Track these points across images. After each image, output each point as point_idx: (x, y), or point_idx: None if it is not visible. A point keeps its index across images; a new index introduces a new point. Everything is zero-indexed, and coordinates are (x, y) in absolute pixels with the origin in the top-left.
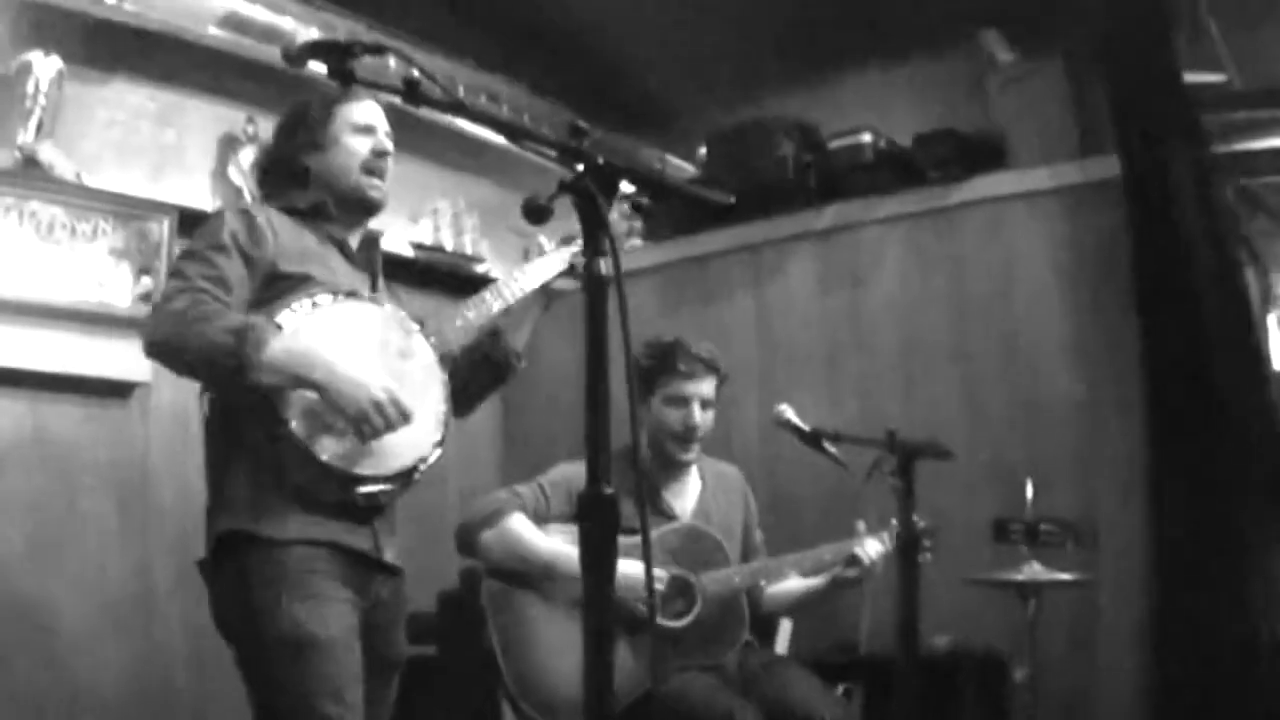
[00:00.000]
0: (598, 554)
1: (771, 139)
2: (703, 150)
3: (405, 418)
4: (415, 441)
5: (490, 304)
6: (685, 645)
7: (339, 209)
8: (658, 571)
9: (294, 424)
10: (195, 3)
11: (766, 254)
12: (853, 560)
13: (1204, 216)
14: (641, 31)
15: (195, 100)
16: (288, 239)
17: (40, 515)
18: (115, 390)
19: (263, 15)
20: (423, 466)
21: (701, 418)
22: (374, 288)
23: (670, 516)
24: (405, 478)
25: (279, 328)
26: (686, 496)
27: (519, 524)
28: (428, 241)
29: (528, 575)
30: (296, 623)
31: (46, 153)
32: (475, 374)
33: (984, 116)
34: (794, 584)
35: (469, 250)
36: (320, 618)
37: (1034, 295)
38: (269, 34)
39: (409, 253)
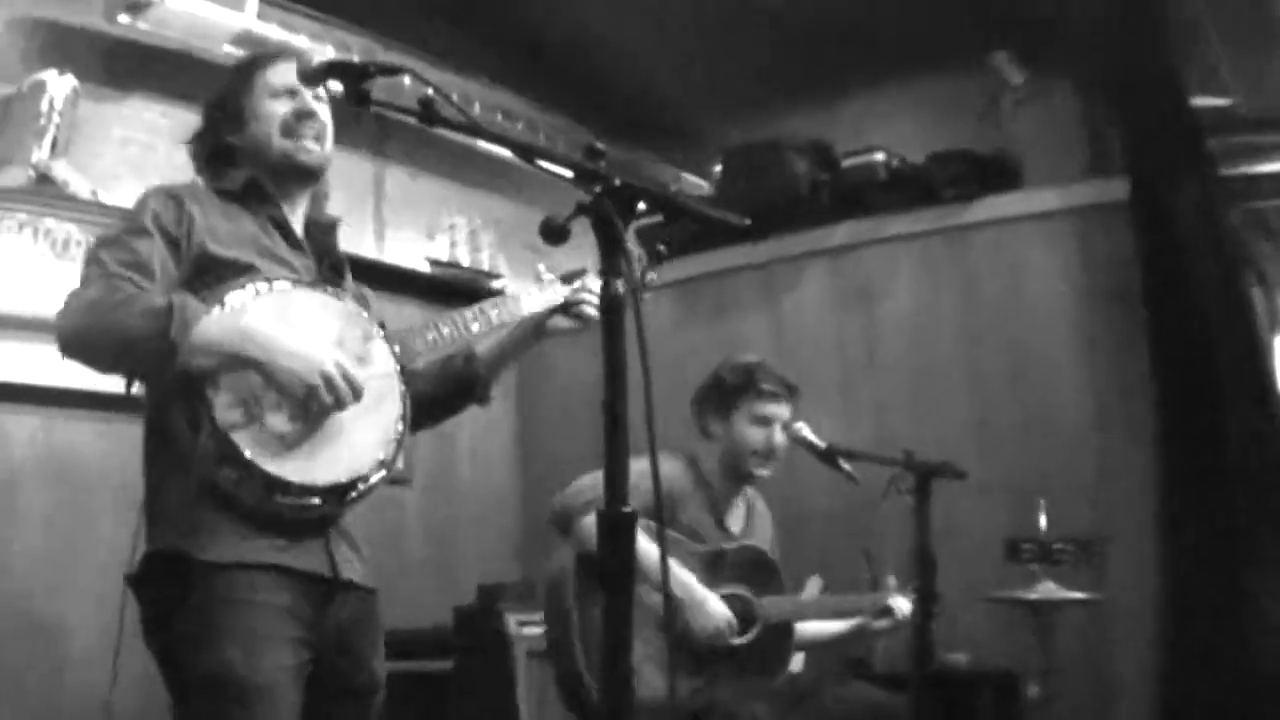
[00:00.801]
0: (616, 573)
1: (786, 157)
2: (717, 167)
3: (357, 395)
4: (355, 457)
5: (468, 324)
6: (739, 665)
7: (275, 183)
8: (720, 592)
9: (219, 412)
10: (209, 21)
11: (780, 271)
12: (886, 611)
13: (1211, 239)
14: (657, 49)
15: None
16: (220, 220)
17: (54, 530)
18: (129, 405)
19: (277, 34)
20: (361, 486)
21: (780, 439)
22: (333, 280)
23: (730, 535)
24: (336, 494)
25: (221, 305)
26: (738, 520)
27: None
28: (444, 257)
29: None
30: (224, 664)
31: (61, 170)
32: (437, 393)
33: (996, 136)
34: (825, 624)
35: (485, 266)
36: (251, 661)
37: (1045, 314)
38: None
39: (425, 268)
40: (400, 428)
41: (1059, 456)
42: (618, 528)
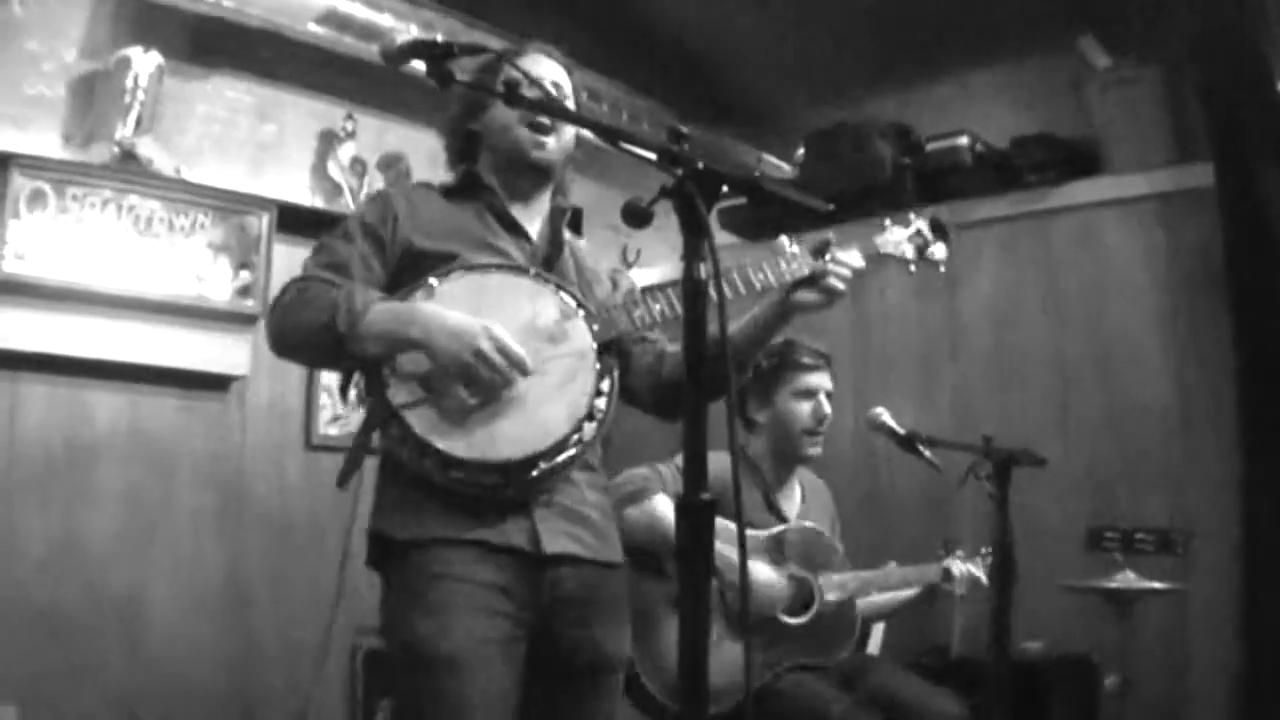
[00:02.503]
0: (694, 560)
1: (869, 140)
2: (800, 151)
3: (520, 367)
4: (536, 433)
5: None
6: (799, 644)
7: (507, 174)
8: (779, 571)
9: (391, 393)
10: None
11: None
12: (946, 575)
13: None
14: (741, 31)
15: (294, 96)
16: (431, 215)
17: (135, 507)
18: (213, 383)
19: (362, 12)
20: (543, 465)
21: (829, 408)
22: (550, 266)
23: (783, 519)
24: (515, 470)
25: (428, 291)
26: (793, 502)
27: (662, 504)
28: None
29: (663, 555)
30: (416, 636)
31: (145, 147)
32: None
33: (1081, 121)
34: (892, 593)
35: None
36: (442, 629)
37: (1128, 302)
38: (368, 31)
39: None
40: (592, 403)
41: (1141, 445)
42: (696, 516)
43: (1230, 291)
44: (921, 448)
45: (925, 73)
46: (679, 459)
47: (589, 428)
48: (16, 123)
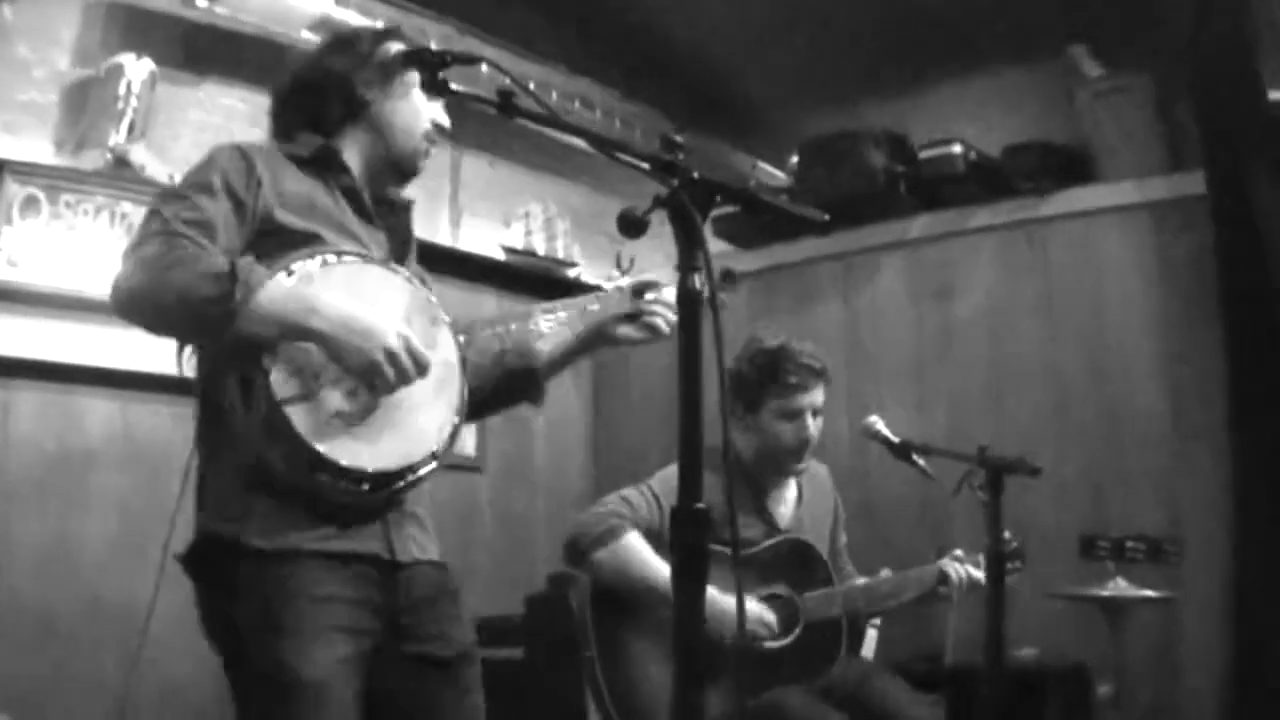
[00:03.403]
0: (689, 570)
1: (863, 149)
2: (794, 158)
3: (423, 372)
4: (410, 445)
5: (537, 323)
6: (783, 665)
7: (373, 165)
8: (760, 594)
9: (275, 384)
10: (287, 6)
11: (857, 263)
12: (943, 578)
13: None
14: (735, 38)
15: None
16: (291, 186)
17: (129, 514)
18: None
19: (355, 19)
20: (410, 477)
21: (815, 428)
22: (400, 260)
23: (774, 526)
24: (384, 481)
25: (288, 272)
26: (787, 503)
27: (633, 544)
28: (519, 245)
29: (639, 599)
30: (279, 662)
31: (138, 154)
32: (489, 389)
33: (1073, 129)
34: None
35: (561, 255)
36: (307, 654)
37: (1122, 309)
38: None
39: (500, 256)
40: (457, 420)
41: (1134, 452)
42: (691, 524)
43: (1223, 299)
44: (916, 456)
45: (918, 80)
46: (654, 481)
47: (453, 439)
48: (9, 129)
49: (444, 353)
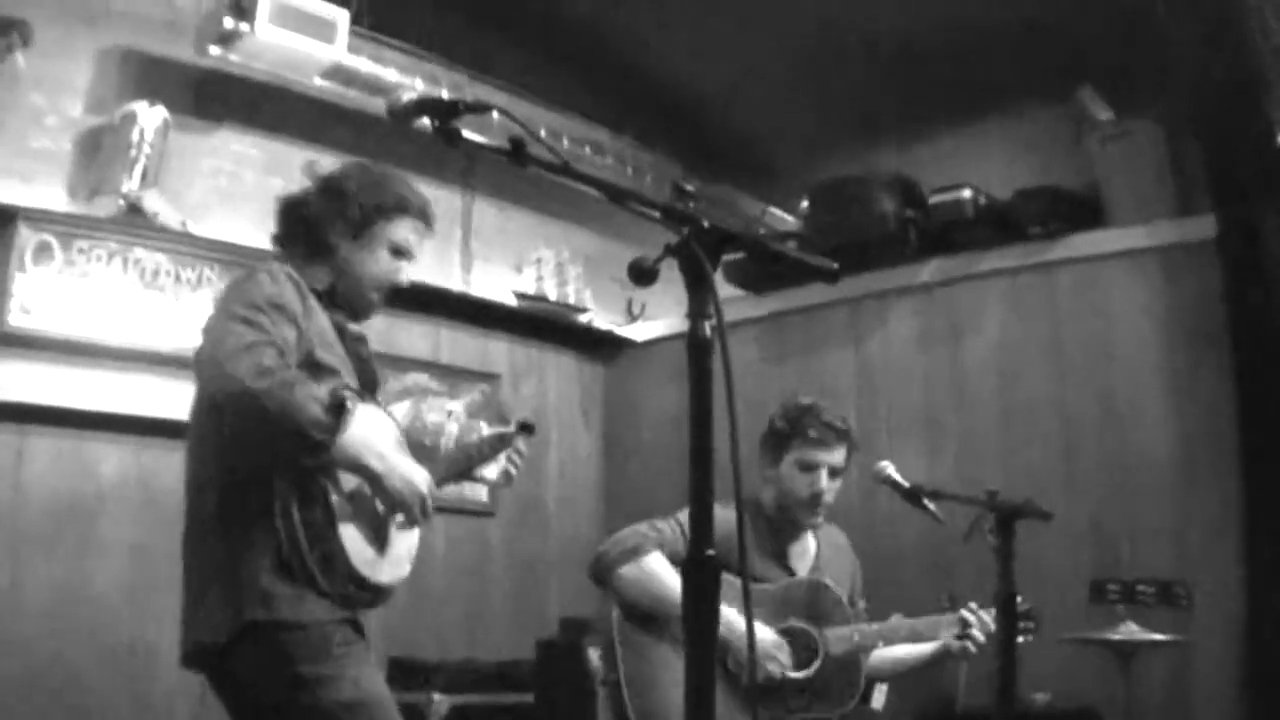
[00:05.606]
0: (700, 616)
1: (873, 194)
2: (805, 203)
3: (428, 519)
4: (400, 565)
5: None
6: (802, 697)
7: (347, 299)
8: (779, 627)
9: (335, 501)
10: (300, 54)
11: (867, 308)
12: (962, 624)
13: None
14: (746, 84)
15: (300, 149)
16: (320, 321)
17: (142, 559)
18: None
19: (367, 67)
20: (390, 593)
21: (828, 485)
22: (372, 389)
23: (791, 574)
24: (381, 595)
25: (352, 409)
26: (806, 557)
27: (657, 563)
28: (531, 291)
29: (657, 615)
30: (358, 686)
31: (151, 201)
32: None
33: (1082, 174)
34: (899, 649)
35: (572, 300)
36: (372, 679)
37: (1132, 353)
38: (373, 85)
39: (512, 302)
40: (416, 544)
41: (1144, 495)
42: (702, 572)
43: (1232, 342)
44: (926, 501)
45: (928, 125)
46: (681, 515)
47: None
48: (22, 177)
49: None
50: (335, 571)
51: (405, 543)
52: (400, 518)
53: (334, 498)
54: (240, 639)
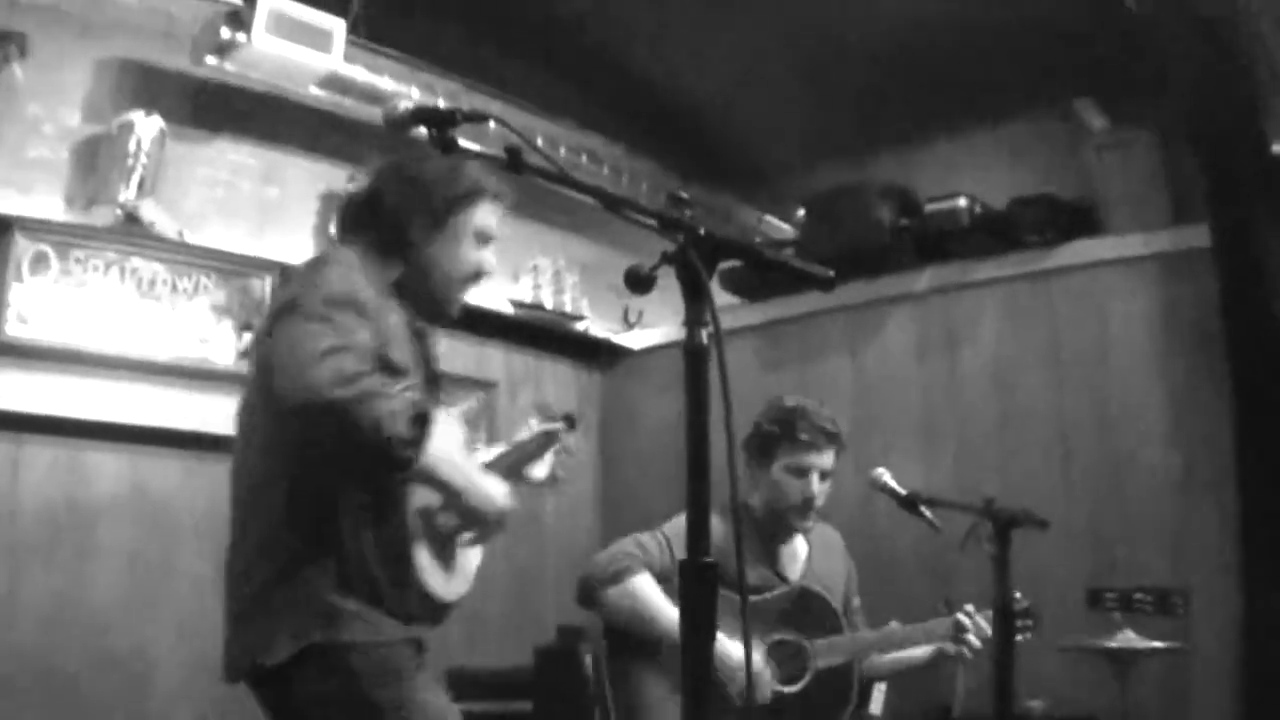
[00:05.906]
0: (698, 623)
1: (869, 202)
2: (801, 212)
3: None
4: (462, 586)
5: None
6: (793, 711)
7: (418, 301)
8: (769, 639)
9: (409, 517)
10: (296, 63)
11: (864, 316)
12: (958, 627)
13: None
14: (742, 93)
15: (296, 159)
16: (392, 321)
17: (138, 568)
18: (215, 445)
19: (363, 76)
20: (453, 611)
21: (819, 489)
22: (435, 388)
23: (783, 579)
24: (446, 612)
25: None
26: (797, 559)
27: (644, 584)
28: (527, 299)
29: (646, 638)
30: (429, 704)
31: (148, 210)
32: None
33: (1079, 182)
34: (900, 653)
35: (569, 308)
36: (439, 703)
37: (1129, 361)
38: (369, 94)
39: (508, 310)
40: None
41: (1141, 504)
42: (699, 579)
43: (1228, 350)
44: (923, 508)
45: (924, 134)
46: (667, 528)
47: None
48: (19, 186)
49: None
50: (407, 589)
51: (471, 558)
52: (470, 534)
53: (409, 514)
54: (301, 659)
